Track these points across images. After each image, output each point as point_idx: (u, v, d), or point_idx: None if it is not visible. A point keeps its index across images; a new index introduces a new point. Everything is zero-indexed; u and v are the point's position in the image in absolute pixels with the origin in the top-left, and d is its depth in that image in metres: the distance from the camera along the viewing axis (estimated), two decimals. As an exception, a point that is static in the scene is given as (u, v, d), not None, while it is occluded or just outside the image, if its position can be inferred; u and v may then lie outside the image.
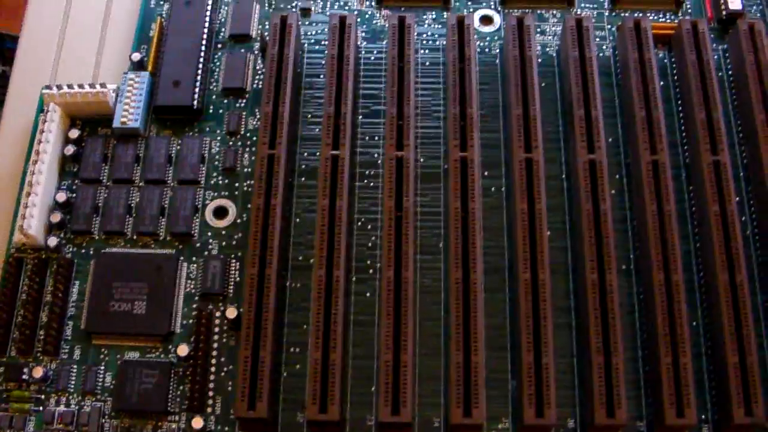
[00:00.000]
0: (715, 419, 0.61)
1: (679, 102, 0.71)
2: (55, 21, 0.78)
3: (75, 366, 0.64)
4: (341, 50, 0.69)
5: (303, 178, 0.69)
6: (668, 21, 0.75)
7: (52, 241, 0.67)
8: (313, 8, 0.76)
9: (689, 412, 0.58)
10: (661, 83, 0.71)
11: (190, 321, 0.65)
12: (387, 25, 0.71)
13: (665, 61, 0.73)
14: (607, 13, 0.76)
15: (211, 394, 0.62)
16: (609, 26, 0.75)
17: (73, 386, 0.63)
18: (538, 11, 0.76)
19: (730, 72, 0.73)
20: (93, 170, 0.70)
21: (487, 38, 0.75)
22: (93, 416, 0.62)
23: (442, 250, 0.66)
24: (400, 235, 0.62)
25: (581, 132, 0.66)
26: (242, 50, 0.75)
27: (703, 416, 0.61)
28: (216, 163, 0.70)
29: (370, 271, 0.65)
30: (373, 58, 0.74)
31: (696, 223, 0.67)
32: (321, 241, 0.62)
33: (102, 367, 0.64)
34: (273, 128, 0.66)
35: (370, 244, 0.66)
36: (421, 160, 0.69)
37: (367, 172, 0.69)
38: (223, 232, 0.68)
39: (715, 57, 0.73)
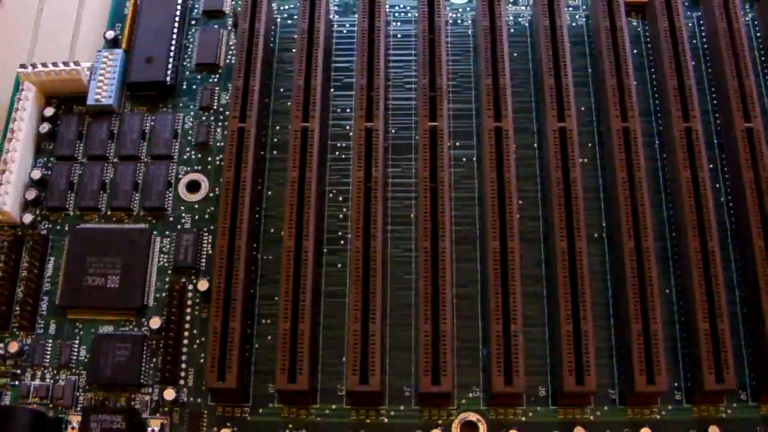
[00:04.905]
0: (687, 386, 0.61)
1: (653, 70, 0.71)
2: (31, 0, 0.78)
3: (50, 340, 0.64)
4: (312, 23, 0.69)
5: (276, 152, 0.69)
6: (643, -11, 0.74)
7: (28, 218, 0.67)
8: (286, -18, 0.76)
9: (659, 379, 0.58)
10: (635, 51, 0.71)
11: (163, 294, 0.65)
12: (359, -2, 0.71)
13: (639, 29, 0.73)
14: (581, -18, 0.75)
15: (183, 366, 0.63)
16: (582, -6, 0.75)
17: (48, 360, 0.64)
18: (511, -19, 0.76)
19: (705, 39, 0.72)
20: (68, 147, 0.70)
21: (460, 9, 0.74)
22: (68, 389, 0.62)
23: (413, 220, 0.66)
24: (369, 205, 0.62)
25: (551, 100, 0.66)
26: (215, 26, 0.75)
27: (675, 384, 0.61)
28: (189, 138, 0.70)
29: (342, 242, 0.66)
30: (345, 31, 0.73)
31: (669, 191, 0.66)
32: (290, 212, 0.62)
33: (77, 341, 0.64)
34: (243, 102, 0.66)
35: (341, 216, 0.66)
36: (393, 131, 0.69)
37: (338, 144, 0.69)
38: (196, 206, 0.68)
39: (690, 24, 0.73)
